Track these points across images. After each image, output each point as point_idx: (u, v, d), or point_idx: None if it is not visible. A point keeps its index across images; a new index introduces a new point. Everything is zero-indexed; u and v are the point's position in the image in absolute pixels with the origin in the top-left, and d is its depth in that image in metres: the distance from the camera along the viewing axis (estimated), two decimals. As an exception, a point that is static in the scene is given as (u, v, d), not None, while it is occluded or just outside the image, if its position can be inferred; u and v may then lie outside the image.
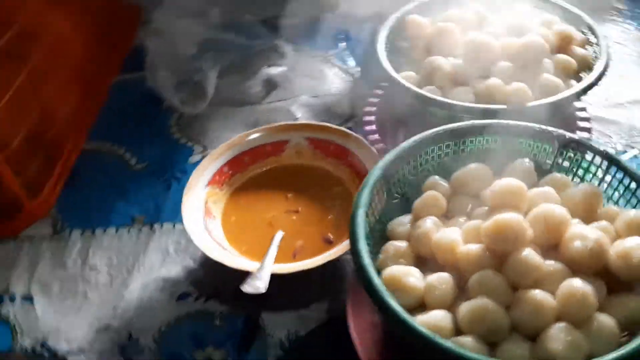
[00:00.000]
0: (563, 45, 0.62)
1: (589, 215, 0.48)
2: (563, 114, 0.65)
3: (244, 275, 0.54)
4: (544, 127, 0.52)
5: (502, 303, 0.42)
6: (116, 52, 0.92)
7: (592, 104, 0.77)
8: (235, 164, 0.66)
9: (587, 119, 0.67)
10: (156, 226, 0.67)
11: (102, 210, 0.70)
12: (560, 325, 0.41)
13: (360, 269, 0.43)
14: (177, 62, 0.83)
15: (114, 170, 0.75)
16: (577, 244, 0.43)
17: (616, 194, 0.50)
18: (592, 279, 0.43)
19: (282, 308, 0.58)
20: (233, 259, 0.56)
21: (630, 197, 0.49)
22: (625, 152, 0.71)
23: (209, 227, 0.60)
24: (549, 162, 0.53)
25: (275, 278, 0.54)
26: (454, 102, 0.57)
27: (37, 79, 0.72)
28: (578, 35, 0.65)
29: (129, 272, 0.63)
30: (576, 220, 0.47)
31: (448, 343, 0.38)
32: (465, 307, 0.42)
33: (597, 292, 0.42)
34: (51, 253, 0.66)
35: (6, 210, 0.68)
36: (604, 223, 0.47)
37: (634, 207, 0.48)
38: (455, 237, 0.46)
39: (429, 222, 0.49)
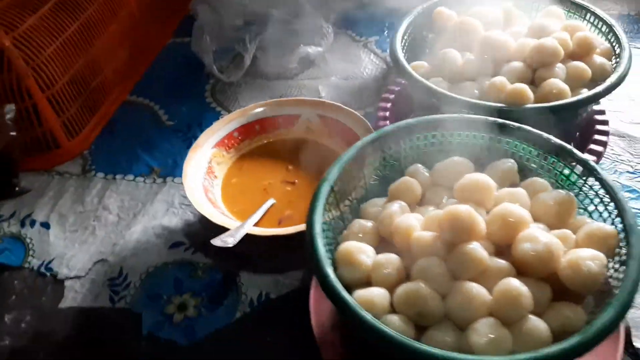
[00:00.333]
0: (582, 52, 0.60)
1: (559, 222, 0.47)
2: (575, 121, 0.63)
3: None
4: (530, 129, 0.51)
5: (439, 290, 0.43)
6: (171, 17, 0.97)
7: (622, 120, 0.73)
8: (246, 131, 0.70)
9: (605, 132, 0.64)
10: (168, 179, 0.72)
11: (126, 159, 0.76)
12: (489, 320, 0.41)
13: (309, 235, 0.45)
14: (222, 31, 0.87)
15: (146, 125, 0.81)
16: (527, 246, 0.43)
17: (592, 205, 0.48)
18: (538, 283, 0.43)
19: (261, 271, 0.61)
20: (219, 216, 0.59)
21: (603, 211, 0.47)
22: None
23: (207, 185, 0.64)
24: (534, 165, 0.52)
25: (258, 242, 0.57)
26: (448, 93, 0.57)
27: (89, 30, 0.79)
28: (602, 44, 0.62)
29: (135, 216, 0.68)
30: (539, 225, 0.46)
31: (368, 316, 0.40)
32: (401, 289, 0.43)
33: (538, 296, 0.42)
34: (74, 189, 0.72)
35: (45, 145, 0.75)
36: (566, 231, 0.46)
37: (605, 220, 0.47)
38: (414, 223, 0.47)
39: (395, 206, 0.50)
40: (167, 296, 0.60)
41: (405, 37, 0.67)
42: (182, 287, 0.60)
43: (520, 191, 0.48)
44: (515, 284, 0.42)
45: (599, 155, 0.62)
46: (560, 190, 0.49)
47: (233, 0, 0.90)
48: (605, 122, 0.66)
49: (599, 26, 0.65)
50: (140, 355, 0.55)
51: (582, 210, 0.49)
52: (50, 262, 0.64)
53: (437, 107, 0.61)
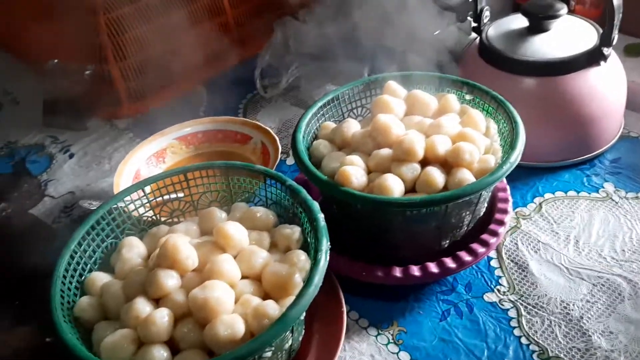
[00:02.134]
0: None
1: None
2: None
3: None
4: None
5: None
6: (257, 38, 1.09)
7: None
8: (210, 136, 0.81)
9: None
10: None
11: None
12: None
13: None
14: (283, 52, 0.98)
15: (186, 112, 0.97)
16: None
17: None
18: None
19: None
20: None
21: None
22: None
23: (150, 164, 0.77)
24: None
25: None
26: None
27: (174, 26, 0.98)
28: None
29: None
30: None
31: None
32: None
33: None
34: (109, 139, 0.93)
35: (111, 101, 0.98)
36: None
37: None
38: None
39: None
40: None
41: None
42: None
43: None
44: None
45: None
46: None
47: (308, 32, 1.00)
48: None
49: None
50: None
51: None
52: (50, 181, 0.86)
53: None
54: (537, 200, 0.71)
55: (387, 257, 0.61)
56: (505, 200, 0.65)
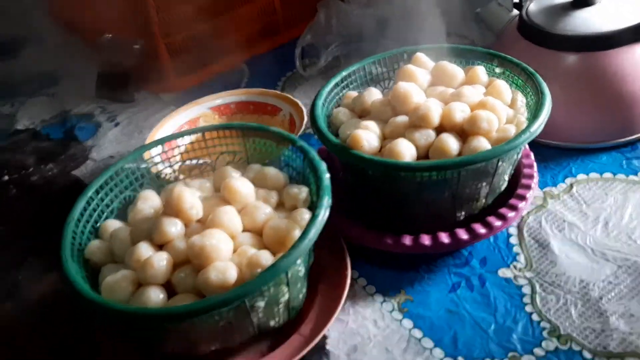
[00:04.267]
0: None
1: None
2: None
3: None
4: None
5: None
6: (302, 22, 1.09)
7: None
8: (242, 107, 0.82)
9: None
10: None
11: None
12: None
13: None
14: (325, 32, 0.98)
15: (227, 88, 0.99)
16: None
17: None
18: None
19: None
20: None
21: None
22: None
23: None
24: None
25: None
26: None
27: (221, 7, 1.01)
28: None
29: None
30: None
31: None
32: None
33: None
34: (153, 110, 0.97)
35: (157, 76, 1.02)
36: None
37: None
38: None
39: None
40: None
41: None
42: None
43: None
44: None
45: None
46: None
47: (350, 12, 0.99)
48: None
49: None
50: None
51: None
52: (94, 146, 0.91)
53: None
54: (568, 180, 0.67)
55: (401, 228, 0.60)
56: (530, 177, 0.62)
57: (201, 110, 0.82)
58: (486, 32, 0.86)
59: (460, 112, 0.56)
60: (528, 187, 0.61)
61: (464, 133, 0.56)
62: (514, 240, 0.61)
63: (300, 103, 0.78)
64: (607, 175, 0.67)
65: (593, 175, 0.67)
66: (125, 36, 1.00)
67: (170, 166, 0.62)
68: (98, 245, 0.53)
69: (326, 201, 0.50)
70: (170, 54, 0.99)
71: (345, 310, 0.57)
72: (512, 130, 0.56)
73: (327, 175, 0.53)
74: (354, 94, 0.67)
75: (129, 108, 0.99)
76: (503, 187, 0.61)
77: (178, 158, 0.62)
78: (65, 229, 0.52)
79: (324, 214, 0.49)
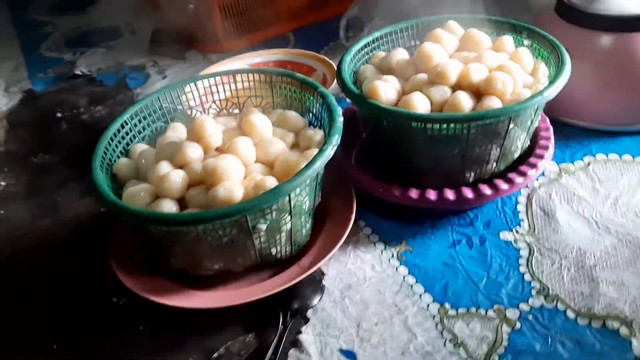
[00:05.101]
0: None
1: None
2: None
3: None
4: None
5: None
6: None
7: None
8: (280, 65, 0.86)
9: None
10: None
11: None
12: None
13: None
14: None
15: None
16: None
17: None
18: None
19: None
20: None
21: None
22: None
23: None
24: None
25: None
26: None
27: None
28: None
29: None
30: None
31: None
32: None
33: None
34: (202, 68, 1.02)
35: (207, 35, 1.07)
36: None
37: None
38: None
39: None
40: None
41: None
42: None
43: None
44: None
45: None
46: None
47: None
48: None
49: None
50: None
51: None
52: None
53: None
54: (586, 159, 0.68)
55: (412, 183, 0.62)
56: (545, 148, 0.63)
57: (241, 65, 0.87)
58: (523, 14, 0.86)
59: (477, 73, 0.58)
60: (541, 156, 0.62)
61: (479, 93, 0.58)
62: (521, 207, 0.63)
63: (334, 64, 0.81)
64: (627, 157, 0.67)
65: (612, 156, 0.67)
66: (182, -4, 1.06)
67: (202, 104, 0.66)
68: (126, 163, 0.58)
69: (335, 139, 0.53)
70: (222, 16, 1.04)
71: (347, 254, 0.60)
72: (526, 94, 0.57)
73: (341, 119, 0.56)
74: (382, 54, 0.69)
75: (178, 64, 1.05)
76: (516, 155, 0.62)
77: (209, 98, 0.66)
78: (98, 144, 0.57)
79: (331, 149, 0.52)
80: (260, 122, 0.57)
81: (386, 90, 0.59)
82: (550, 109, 0.74)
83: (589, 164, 0.67)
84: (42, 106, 0.98)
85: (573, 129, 0.72)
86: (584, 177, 0.65)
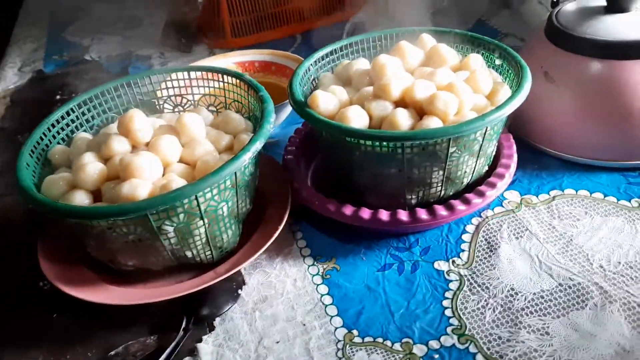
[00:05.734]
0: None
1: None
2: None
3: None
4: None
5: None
6: None
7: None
8: (265, 66, 0.85)
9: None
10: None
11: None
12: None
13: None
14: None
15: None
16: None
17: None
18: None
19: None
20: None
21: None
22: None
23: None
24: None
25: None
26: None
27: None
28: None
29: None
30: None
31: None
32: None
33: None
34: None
35: (216, 32, 1.07)
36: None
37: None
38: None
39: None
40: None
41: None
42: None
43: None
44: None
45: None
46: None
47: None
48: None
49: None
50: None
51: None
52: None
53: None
54: (553, 192, 0.63)
55: (359, 201, 0.59)
56: (500, 176, 0.59)
57: (226, 64, 0.86)
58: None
59: (422, 90, 0.55)
60: (492, 185, 0.58)
61: (423, 112, 0.55)
62: (466, 237, 0.59)
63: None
64: (597, 195, 0.61)
65: (582, 192, 0.62)
66: (193, -11, 1.06)
67: (157, 99, 0.66)
68: (61, 150, 0.58)
69: (254, 146, 0.51)
70: (231, 13, 1.04)
71: (274, 265, 0.58)
72: (471, 117, 0.53)
73: (269, 125, 0.54)
74: (347, 62, 0.66)
75: (183, 57, 1.06)
76: (466, 180, 0.58)
77: (165, 93, 0.66)
78: (35, 130, 0.58)
79: (246, 155, 0.50)
80: (192, 122, 0.56)
81: (326, 101, 0.56)
82: (528, 135, 0.69)
83: (554, 198, 0.62)
84: (46, 87, 1.01)
85: (549, 159, 0.67)
86: (544, 211, 0.60)
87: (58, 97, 0.97)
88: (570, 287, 0.52)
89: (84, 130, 0.62)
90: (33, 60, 1.11)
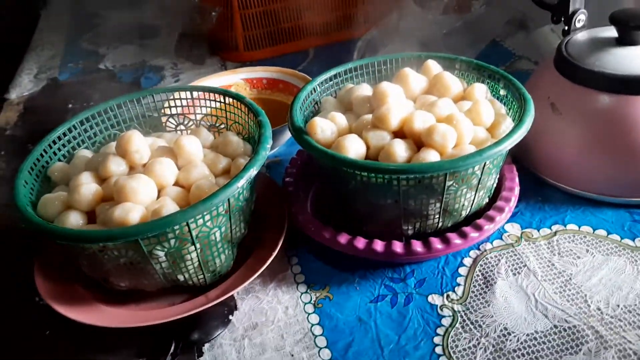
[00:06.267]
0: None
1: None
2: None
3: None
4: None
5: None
6: None
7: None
8: (273, 84, 0.85)
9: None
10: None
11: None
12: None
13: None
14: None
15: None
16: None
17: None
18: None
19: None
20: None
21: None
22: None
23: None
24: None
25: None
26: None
27: None
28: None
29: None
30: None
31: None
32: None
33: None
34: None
35: (230, 47, 1.07)
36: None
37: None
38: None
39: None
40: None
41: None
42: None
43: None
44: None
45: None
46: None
47: (425, 18, 0.98)
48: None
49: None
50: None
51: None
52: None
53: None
54: (555, 227, 0.61)
55: (356, 230, 0.58)
56: (500, 210, 0.58)
57: (234, 80, 0.86)
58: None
59: (421, 121, 0.54)
60: (491, 219, 0.57)
61: (421, 143, 0.54)
62: (462, 270, 0.58)
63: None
64: (600, 232, 0.60)
65: (585, 228, 0.61)
66: (208, 2, 1.07)
67: (159, 116, 0.66)
68: (61, 167, 0.59)
69: (249, 172, 0.51)
70: (244, 26, 1.04)
71: (267, 291, 0.58)
72: (470, 151, 0.52)
73: (265, 152, 0.53)
74: (351, 86, 0.66)
75: (195, 69, 1.06)
76: (464, 213, 0.57)
77: (167, 111, 0.66)
78: (36, 146, 0.58)
79: (238, 183, 0.50)
80: (190, 145, 0.56)
81: (324, 128, 0.56)
82: (532, 166, 0.68)
83: (555, 233, 0.60)
84: (59, 96, 1.02)
85: (553, 191, 0.65)
86: (544, 247, 0.59)
87: (70, 105, 0.98)
88: (565, 330, 0.50)
89: (86, 147, 0.63)
90: (49, 68, 1.13)
